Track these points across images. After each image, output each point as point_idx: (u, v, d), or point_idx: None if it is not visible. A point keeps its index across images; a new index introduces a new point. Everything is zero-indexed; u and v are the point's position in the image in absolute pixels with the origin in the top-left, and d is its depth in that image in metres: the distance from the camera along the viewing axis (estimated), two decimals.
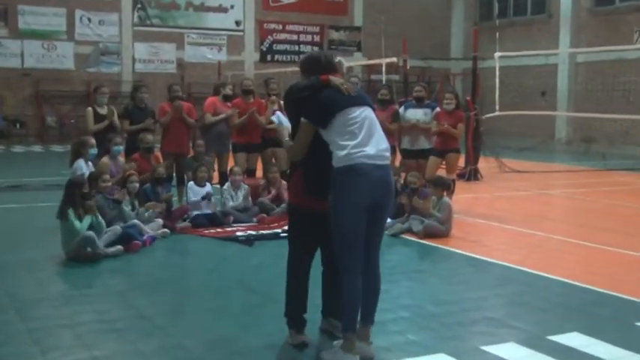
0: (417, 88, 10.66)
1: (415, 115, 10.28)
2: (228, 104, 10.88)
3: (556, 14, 26.50)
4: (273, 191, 9.95)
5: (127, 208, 8.30)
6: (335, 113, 4.48)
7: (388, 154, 4.57)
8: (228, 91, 11.09)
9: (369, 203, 4.44)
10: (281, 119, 4.95)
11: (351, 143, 4.41)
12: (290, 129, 4.79)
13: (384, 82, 17.58)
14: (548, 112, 24.62)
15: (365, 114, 4.55)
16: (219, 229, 8.97)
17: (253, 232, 8.84)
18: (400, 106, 10.79)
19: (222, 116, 10.61)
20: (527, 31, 27.66)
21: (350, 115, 4.49)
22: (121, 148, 9.57)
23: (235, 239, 8.48)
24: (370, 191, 4.41)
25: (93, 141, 9.08)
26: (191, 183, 9.58)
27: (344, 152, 4.41)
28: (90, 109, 10.21)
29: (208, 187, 9.58)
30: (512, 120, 26.05)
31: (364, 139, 4.44)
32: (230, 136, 10.87)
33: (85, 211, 7.43)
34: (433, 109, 10.35)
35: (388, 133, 10.23)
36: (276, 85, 11.60)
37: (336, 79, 4.63)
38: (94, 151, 9.04)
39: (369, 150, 4.42)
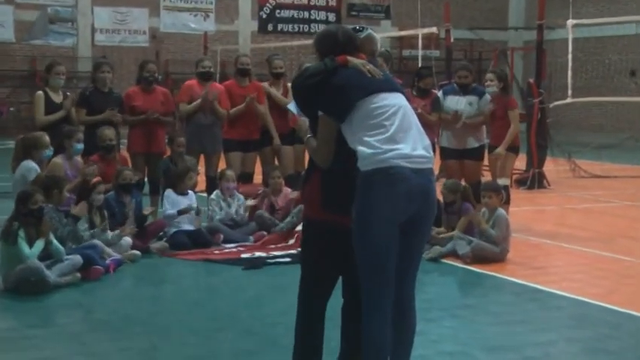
0: (460, 72, 10.58)
1: (457, 104, 10.28)
2: (214, 86, 10.82)
3: None
4: (275, 200, 9.99)
5: (82, 227, 8.33)
6: (355, 101, 4.52)
7: (429, 154, 4.58)
8: (202, 67, 10.80)
9: (403, 219, 4.47)
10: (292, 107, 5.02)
11: (380, 138, 4.45)
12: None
13: (420, 59, 17.63)
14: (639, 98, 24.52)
15: (397, 102, 4.60)
16: (206, 251, 9.03)
17: (263, 254, 8.93)
18: (439, 91, 10.83)
19: (198, 102, 10.57)
20: None
21: (377, 103, 4.53)
22: (82, 146, 9.58)
23: (238, 263, 8.56)
24: (406, 203, 4.44)
25: (47, 139, 9.11)
26: (169, 191, 9.61)
27: (371, 151, 4.44)
28: (41, 93, 10.17)
29: (191, 197, 9.63)
30: (589, 109, 26.09)
31: (397, 133, 4.48)
32: (220, 130, 10.90)
33: (38, 232, 7.51)
34: (481, 95, 10.36)
35: (428, 126, 10.38)
36: (282, 62, 11.62)
37: (356, 60, 4.68)
38: (48, 152, 9.07)
39: (404, 148, 4.45)
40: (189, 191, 9.73)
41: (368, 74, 4.61)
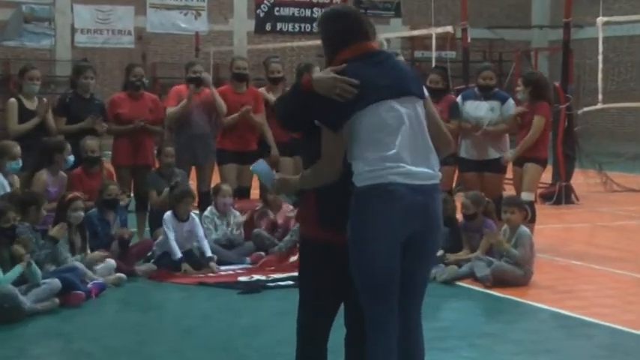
0: (485, 73, 10.62)
1: (477, 109, 10.30)
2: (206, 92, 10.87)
3: None
4: (273, 218, 10.01)
5: (63, 249, 8.35)
6: (351, 112, 4.48)
7: (433, 170, 4.60)
8: (193, 72, 10.83)
9: (403, 238, 4.51)
10: (258, 169, 4.95)
11: (380, 155, 4.47)
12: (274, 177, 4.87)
13: (433, 61, 17.67)
14: None
15: (404, 111, 4.55)
16: (201, 275, 9.07)
17: (262, 277, 8.96)
18: (457, 96, 10.85)
19: (184, 102, 10.61)
20: None
21: (379, 115, 4.50)
22: (72, 159, 9.60)
23: (234, 286, 8.60)
24: (404, 221, 4.48)
25: (17, 149, 9.15)
26: (169, 214, 9.48)
27: (368, 167, 4.47)
28: (13, 100, 10.23)
29: (193, 222, 9.54)
30: (622, 115, 26.13)
31: (399, 150, 4.48)
32: (213, 140, 10.94)
33: (11, 254, 7.53)
34: (504, 100, 10.39)
35: (444, 136, 10.32)
36: (281, 65, 11.67)
37: (322, 82, 4.52)
38: (16, 164, 9.11)
39: (405, 164, 4.47)
40: (192, 215, 9.63)
41: (337, 98, 4.48)
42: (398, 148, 4.48)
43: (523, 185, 10.27)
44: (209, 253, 9.34)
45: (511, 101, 10.44)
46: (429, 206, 4.55)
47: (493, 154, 10.27)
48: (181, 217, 9.44)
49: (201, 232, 9.48)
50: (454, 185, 12.96)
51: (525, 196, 10.15)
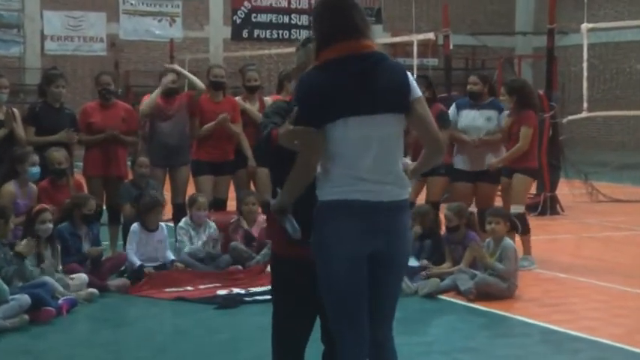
0: (470, 78, 10.75)
1: (474, 120, 10.35)
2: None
3: None
4: (248, 229, 10.01)
5: (30, 264, 8.31)
6: (321, 123, 4.42)
7: (401, 188, 4.56)
8: (167, 82, 10.77)
9: (364, 254, 4.49)
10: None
11: (343, 171, 4.45)
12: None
13: (415, 69, 17.75)
14: None
15: (375, 129, 4.45)
16: (180, 289, 9.05)
17: (241, 291, 8.96)
18: (444, 104, 10.86)
19: (154, 94, 10.63)
20: None
21: (349, 128, 4.43)
22: (39, 170, 9.57)
23: (212, 301, 8.59)
24: (364, 238, 4.46)
25: None
26: (135, 227, 9.53)
27: (330, 183, 4.46)
28: None
29: (162, 232, 9.58)
30: (608, 124, 26.29)
31: (365, 166, 4.44)
32: (187, 149, 10.93)
33: None
34: (501, 110, 10.45)
35: (434, 142, 10.33)
36: (258, 73, 11.69)
37: (282, 135, 4.47)
38: None
39: (370, 182, 4.44)
40: (161, 224, 9.69)
41: (298, 148, 4.43)
42: (363, 166, 4.44)
43: (512, 197, 10.29)
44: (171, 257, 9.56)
45: (505, 110, 10.50)
46: (391, 223, 4.53)
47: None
48: (151, 227, 9.52)
49: (166, 238, 9.66)
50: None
51: (515, 208, 10.19)
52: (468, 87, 10.58)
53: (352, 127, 4.42)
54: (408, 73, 4.63)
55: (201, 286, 9.14)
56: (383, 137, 4.47)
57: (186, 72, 11.09)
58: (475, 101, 10.45)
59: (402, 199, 4.57)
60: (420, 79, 11.19)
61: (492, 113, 10.36)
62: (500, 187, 10.54)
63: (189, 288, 9.08)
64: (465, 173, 10.38)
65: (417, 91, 4.58)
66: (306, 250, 4.61)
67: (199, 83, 10.86)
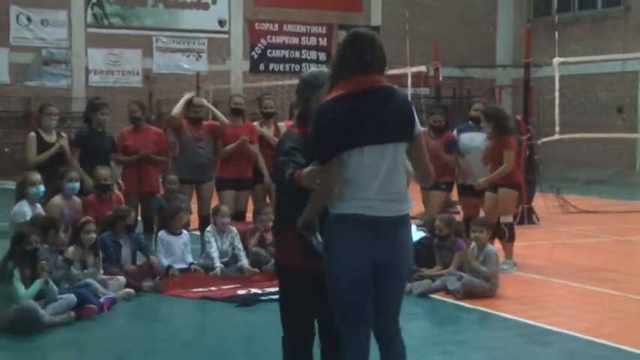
0: (475, 105, 10.90)
1: (472, 141, 10.43)
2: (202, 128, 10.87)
3: (636, 6, 26.72)
4: (263, 233, 9.99)
5: (75, 270, 8.33)
6: (339, 151, 4.37)
7: (404, 205, 4.53)
8: (194, 113, 10.77)
9: (368, 263, 4.47)
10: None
11: (354, 194, 4.42)
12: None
13: (409, 97, 17.75)
14: (627, 135, 24.69)
15: (385, 156, 4.42)
16: (205, 289, 9.02)
17: (258, 291, 8.94)
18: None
19: (180, 103, 10.72)
20: (597, 29, 27.92)
21: (363, 156, 4.40)
22: (77, 185, 9.60)
23: (232, 300, 8.57)
24: (368, 248, 4.44)
25: (36, 176, 9.12)
26: (162, 233, 9.60)
27: (341, 202, 4.43)
28: (33, 134, 10.22)
29: (185, 236, 9.63)
30: (577, 145, 26.23)
31: (374, 190, 4.42)
32: (212, 167, 10.94)
33: (35, 273, 7.49)
34: None
35: (445, 167, 10.51)
36: (273, 101, 11.71)
37: (305, 176, 4.35)
38: (36, 189, 9.07)
39: (373, 197, 4.41)
40: (183, 230, 9.76)
41: (318, 188, 4.36)
42: (371, 190, 4.41)
43: (500, 210, 10.24)
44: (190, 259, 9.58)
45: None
46: (394, 235, 4.49)
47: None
48: (175, 231, 9.56)
49: (189, 242, 9.71)
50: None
51: (504, 218, 10.21)
52: (473, 113, 10.72)
53: (367, 155, 4.39)
54: (412, 106, 4.59)
55: (224, 287, 9.12)
56: (390, 164, 4.45)
57: (211, 106, 11.11)
58: (477, 124, 10.55)
59: (404, 214, 4.54)
60: (439, 108, 11.40)
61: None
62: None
63: (213, 288, 9.06)
64: (472, 189, 10.49)
65: (419, 125, 4.57)
66: (319, 264, 4.58)
67: (223, 119, 10.84)
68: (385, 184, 4.43)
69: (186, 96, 10.94)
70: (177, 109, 10.76)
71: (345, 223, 4.43)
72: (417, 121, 4.56)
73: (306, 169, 4.37)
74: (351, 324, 4.54)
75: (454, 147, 10.53)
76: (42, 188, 9.10)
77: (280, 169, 4.57)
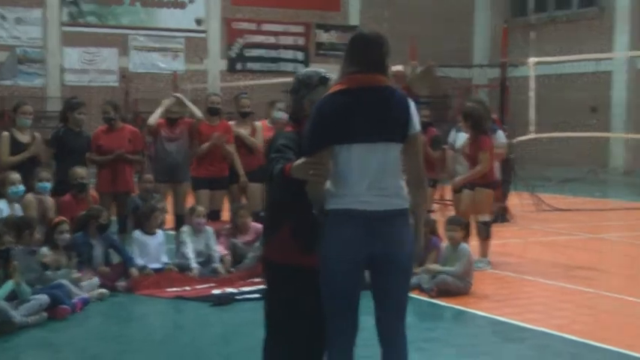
0: (471, 103, 10.92)
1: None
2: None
3: (610, 7, 26.92)
4: (238, 239, 10.00)
5: (49, 271, 8.27)
6: (328, 143, 4.43)
7: (395, 199, 4.50)
8: (170, 113, 10.77)
9: (360, 257, 4.50)
10: None
11: (345, 191, 4.47)
12: None
13: None
14: (600, 134, 24.90)
15: (377, 155, 4.44)
16: (179, 289, 9.01)
17: (233, 290, 8.93)
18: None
19: (158, 111, 10.69)
20: (572, 29, 28.10)
21: (354, 153, 4.44)
22: (48, 185, 9.57)
23: (207, 300, 8.56)
24: (360, 243, 4.46)
25: (15, 176, 9.08)
26: (136, 232, 9.59)
27: (333, 198, 4.48)
28: (6, 134, 10.12)
29: (159, 236, 9.61)
30: (552, 144, 26.30)
31: (364, 187, 4.45)
32: (188, 167, 10.92)
33: (7, 274, 7.45)
34: (494, 131, 10.60)
35: (428, 163, 10.59)
36: (249, 100, 11.71)
37: (297, 167, 4.38)
38: (15, 189, 9.03)
39: (365, 193, 4.44)
40: (158, 230, 9.74)
41: (312, 179, 4.39)
42: (362, 186, 4.44)
43: (477, 208, 10.29)
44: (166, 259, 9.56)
45: (500, 132, 10.66)
46: (387, 229, 4.48)
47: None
48: (150, 231, 9.54)
49: (164, 242, 9.68)
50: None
51: (481, 217, 10.26)
52: None
53: (355, 152, 4.42)
54: (412, 109, 4.54)
55: (198, 287, 9.11)
56: (381, 162, 4.46)
57: (188, 102, 11.11)
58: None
59: (400, 208, 4.51)
60: (426, 105, 11.47)
61: None
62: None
63: (187, 288, 9.05)
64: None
65: (416, 126, 4.53)
66: (312, 259, 4.60)
67: (198, 113, 10.88)
68: (376, 180, 4.45)
69: (166, 102, 10.88)
70: (154, 117, 10.73)
71: (336, 217, 4.47)
72: (414, 122, 4.53)
73: (298, 161, 4.43)
74: (336, 321, 4.56)
75: (439, 143, 10.60)
76: (22, 187, 9.10)
77: (270, 165, 4.63)
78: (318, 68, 5.11)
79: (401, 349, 4.67)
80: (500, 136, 10.88)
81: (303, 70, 5.20)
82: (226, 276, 9.44)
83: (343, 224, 4.46)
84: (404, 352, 4.67)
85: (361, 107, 4.43)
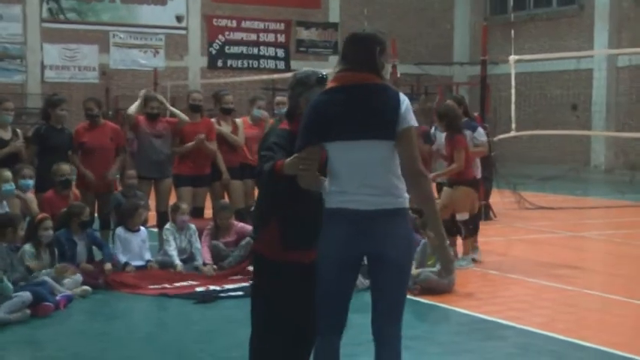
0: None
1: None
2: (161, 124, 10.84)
3: (589, 5, 27.06)
4: (221, 240, 9.99)
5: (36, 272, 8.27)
6: (318, 140, 4.49)
7: (385, 197, 4.47)
8: (150, 108, 10.75)
9: (350, 258, 4.52)
10: None
11: (336, 188, 4.51)
12: None
13: None
14: (581, 132, 25.04)
15: (365, 152, 4.43)
16: (158, 286, 8.99)
17: (216, 288, 8.92)
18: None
19: (137, 103, 10.67)
20: (552, 27, 28.21)
21: (343, 150, 4.47)
22: (31, 182, 9.53)
23: (191, 297, 8.55)
24: (349, 243, 4.48)
25: (7, 173, 9.03)
26: (119, 229, 9.57)
27: (327, 197, 4.54)
28: None
29: (143, 233, 9.60)
30: (533, 142, 26.50)
31: (354, 184, 4.46)
32: (171, 164, 10.89)
33: None
34: (474, 129, 10.60)
35: (422, 159, 10.57)
36: (231, 97, 11.69)
37: (288, 164, 4.48)
38: (10, 186, 8.98)
39: (357, 195, 4.45)
40: (141, 227, 9.72)
41: (303, 173, 4.46)
42: (351, 184, 4.45)
43: (456, 207, 10.30)
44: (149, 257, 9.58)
45: (480, 130, 10.68)
46: (379, 228, 4.46)
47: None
48: (133, 229, 9.54)
49: (147, 239, 9.68)
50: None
51: (460, 216, 10.26)
52: None
53: (341, 149, 4.46)
54: (404, 105, 4.48)
55: (178, 284, 9.08)
56: (369, 160, 4.45)
57: (168, 105, 11.10)
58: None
59: (393, 208, 4.47)
60: (416, 101, 11.43)
61: (467, 133, 10.48)
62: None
63: (167, 285, 9.02)
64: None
65: (407, 121, 4.46)
66: (302, 254, 4.67)
67: (183, 116, 10.84)
68: (366, 178, 4.45)
69: (142, 93, 10.91)
70: (133, 107, 10.73)
71: (329, 216, 4.51)
72: (404, 117, 4.45)
73: (289, 158, 4.49)
74: (326, 318, 4.58)
75: (428, 140, 10.66)
76: (14, 185, 9.04)
77: (260, 162, 4.69)
78: (317, 69, 5.17)
79: (394, 351, 4.63)
80: (481, 134, 10.88)
81: (303, 69, 5.25)
82: (209, 274, 9.43)
83: (335, 223, 4.49)
84: (396, 354, 4.63)
85: (346, 105, 4.45)
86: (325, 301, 4.58)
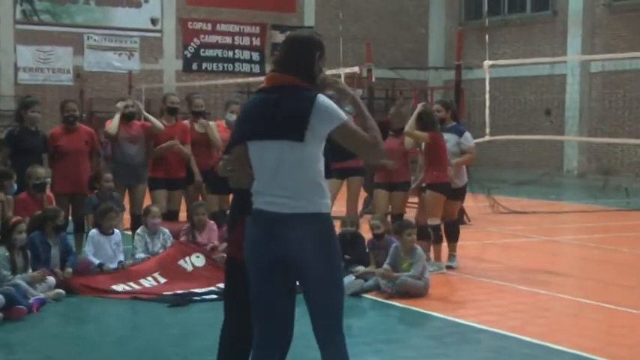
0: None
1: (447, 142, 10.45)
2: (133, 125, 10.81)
3: (563, 11, 27.27)
4: (198, 235, 9.96)
5: (6, 271, 8.20)
6: (240, 140, 4.60)
7: (297, 201, 4.40)
8: (126, 108, 10.80)
9: (270, 261, 4.44)
10: None
11: (257, 184, 4.52)
12: None
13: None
14: (555, 137, 25.19)
15: (275, 152, 4.42)
16: (126, 285, 8.94)
17: (193, 290, 8.86)
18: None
19: (116, 118, 10.64)
20: (526, 32, 28.41)
21: (258, 149, 4.50)
22: (15, 185, 9.48)
23: (165, 300, 8.51)
24: (265, 245, 4.45)
25: None
26: (93, 232, 9.52)
27: (252, 197, 4.55)
28: None
29: (116, 236, 9.55)
30: (507, 146, 26.66)
31: (269, 182, 4.45)
32: (145, 168, 10.88)
33: None
34: (461, 134, 10.56)
35: (405, 167, 10.66)
36: (203, 100, 11.70)
37: (221, 167, 4.73)
38: None
39: (271, 195, 4.43)
40: (116, 230, 9.66)
41: (230, 175, 4.68)
42: (263, 183, 4.47)
43: (427, 212, 10.27)
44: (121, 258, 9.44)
45: (468, 134, 10.64)
46: (290, 233, 4.39)
47: (455, 183, 10.39)
48: (106, 231, 9.47)
49: (121, 242, 9.57)
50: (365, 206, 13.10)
51: (430, 221, 10.19)
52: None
53: (255, 149, 4.50)
54: (320, 106, 4.37)
55: (145, 282, 9.04)
56: (279, 160, 4.41)
57: (145, 112, 11.07)
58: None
59: (308, 212, 4.40)
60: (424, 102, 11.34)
61: (451, 137, 10.43)
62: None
63: (131, 283, 8.97)
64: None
65: (332, 121, 4.38)
66: None
67: (158, 124, 10.80)
68: (275, 180, 4.42)
69: (119, 105, 10.85)
70: (113, 126, 10.67)
71: (252, 217, 4.52)
72: (321, 119, 4.36)
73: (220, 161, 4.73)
74: (258, 322, 4.57)
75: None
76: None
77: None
78: None
79: (337, 355, 4.55)
80: (468, 139, 10.63)
81: None
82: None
83: (253, 224, 4.51)
84: (341, 355, 4.56)
85: (262, 106, 4.51)
86: (255, 305, 4.56)
